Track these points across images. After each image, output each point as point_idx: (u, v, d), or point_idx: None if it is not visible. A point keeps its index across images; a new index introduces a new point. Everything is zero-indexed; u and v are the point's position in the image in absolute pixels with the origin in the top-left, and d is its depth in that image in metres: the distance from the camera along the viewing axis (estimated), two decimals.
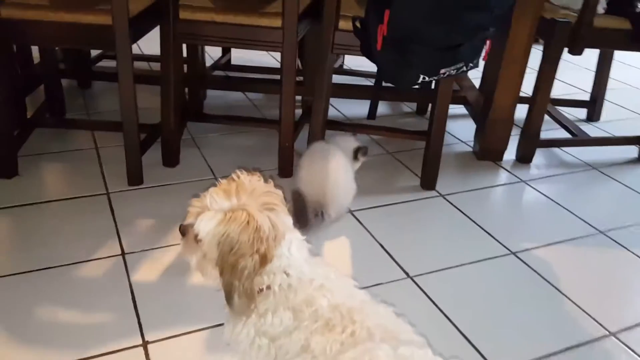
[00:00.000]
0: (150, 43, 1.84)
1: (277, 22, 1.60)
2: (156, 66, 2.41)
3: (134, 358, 1.09)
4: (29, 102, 2.07)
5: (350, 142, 1.67)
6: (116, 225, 1.48)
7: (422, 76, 1.40)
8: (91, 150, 1.85)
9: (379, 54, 1.41)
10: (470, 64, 1.44)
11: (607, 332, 1.23)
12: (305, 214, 1.49)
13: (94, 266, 1.33)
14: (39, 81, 2.04)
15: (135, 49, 1.57)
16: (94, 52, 2.39)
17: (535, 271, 1.41)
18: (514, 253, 1.48)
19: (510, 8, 1.67)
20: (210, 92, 2.38)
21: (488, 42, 1.43)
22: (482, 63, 2.14)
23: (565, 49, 1.78)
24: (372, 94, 1.58)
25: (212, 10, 1.61)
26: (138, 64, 2.57)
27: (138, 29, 1.60)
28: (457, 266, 1.42)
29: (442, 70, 1.41)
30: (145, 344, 1.13)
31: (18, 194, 1.57)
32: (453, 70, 1.42)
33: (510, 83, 1.83)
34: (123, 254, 1.38)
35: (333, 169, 1.54)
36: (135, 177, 1.65)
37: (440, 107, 1.67)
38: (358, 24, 1.51)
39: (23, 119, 1.87)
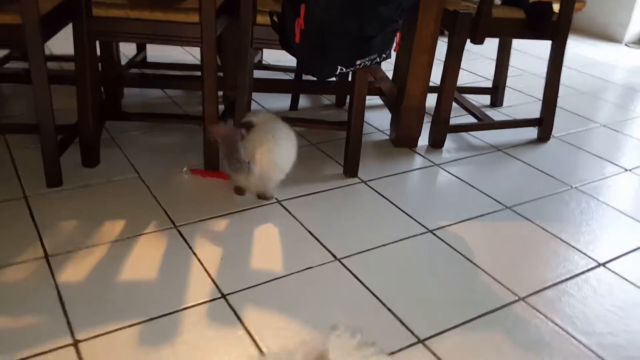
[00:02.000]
0: (59, 42, 1.79)
1: (194, 18, 1.61)
2: (68, 66, 2.34)
3: (66, 357, 1.09)
4: None
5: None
6: (37, 228, 1.44)
7: (339, 67, 1.47)
8: (4, 155, 1.77)
9: (297, 47, 1.46)
10: (383, 55, 1.53)
11: (517, 297, 1.36)
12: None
13: (17, 270, 1.29)
14: None
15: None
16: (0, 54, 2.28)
17: (450, 246, 1.53)
18: (431, 231, 1.59)
19: (416, 1, 1.78)
20: (128, 91, 2.34)
21: (398, 34, 1.52)
22: (394, 55, 2.26)
23: (468, 40, 1.92)
24: (293, 87, 1.63)
25: (127, 6, 1.60)
26: (49, 65, 2.48)
27: (49, 28, 1.56)
28: (380, 246, 1.50)
29: (358, 61, 1.49)
30: (75, 343, 1.12)
31: None
32: (368, 61, 1.50)
33: (420, 73, 1.95)
34: (46, 256, 1.35)
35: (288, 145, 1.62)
36: (53, 179, 1.61)
37: (358, 98, 1.75)
38: (275, 18, 1.55)
39: None
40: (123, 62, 2.43)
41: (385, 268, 1.42)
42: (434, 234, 1.58)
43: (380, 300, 1.31)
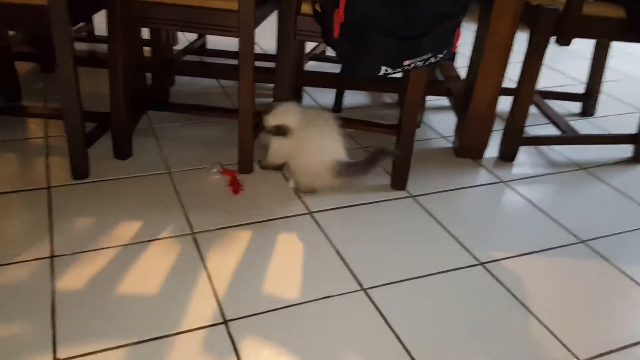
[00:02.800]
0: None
1: (233, 5, 1.46)
2: None
3: None
4: None
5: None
6: (51, 224, 1.37)
7: (383, 68, 1.27)
8: (40, 140, 1.73)
9: (336, 41, 1.28)
10: (440, 55, 1.31)
11: None
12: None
13: (18, 269, 1.22)
14: None
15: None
16: None
17: (503, 285, 1.29)
18: (482, 263, 1.36)
19: None
20: (181, 79, 2.26)
21: (457, 31, 1.28)
22: (468, 51, 2.01)
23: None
24: (343, 83, 1.45)
25: None
26: (96, 47, 2.46)
27: (81, 11, 1.48)
28: (416, 278, 1.29)
29: (407, 62, 1.28)
30: None
31: None
32: (419, 61, 1.29)
33: (491, 74, 1.69)
34: (52, 256, 1.26)
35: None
36: (79, 171, 1.54)
37: (411, 99, 1.53)
38: (318, 8, 1.37)
39: None
40: (182, 46, 2.35)
41: (417, 306, 1.21)
42: (486, 268, 1.34)
43: (404, 347, 1.10)
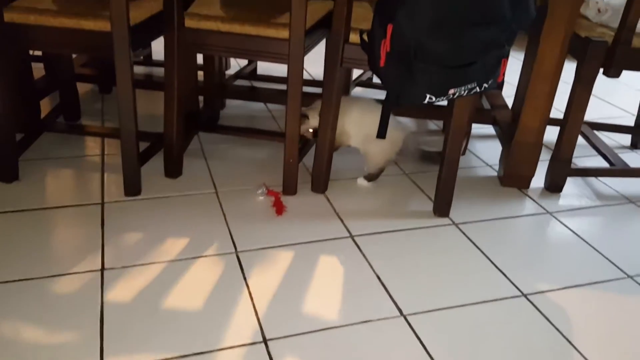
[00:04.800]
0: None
1: (284, 34, 1.52)
2: None
3: None
4: (48, 104, 2.08)
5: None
6: (103, 238, 1.43)
7: (428, 95, 1.29)
8: (97, 157, 1.82)
9: (382, 70, 1.31)
10: (485, 84, 1.32)
11: None
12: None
13: (70, 281, 1.28)
14: (57, 85, 2.04)
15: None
16: None
17: (546, 318, 1.26)
18: (525, 295, 1.33)
19: (537, 22, 1.52)
20: (231, 102, 2.33)
21: (504, 61, 1.29)
22: (516, 80, 2.00)
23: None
24: (385, 110, 1.47)
25: (219, 19, 1.55)
26: (154, 70, 2.57)
27: (142, 37, 1.56)
28: (458, 306, 1.28)
29: (452, 90, 1.29)
30: None
31: (13, 200, 1.55)
32: (464, 90, 1.30)
33: (539, 103, 1.68)
34: (102, 269, 1.32)
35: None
36: (132, 187, 1.61)
37: (456, 126, 1.54)
38: (365, 37, 1.41)
39: (33, 123, 1.87)
40: (233, 71, 2.44)
41: (457, 336, 1.20)
42: (529, 300, 1.32)
43: None
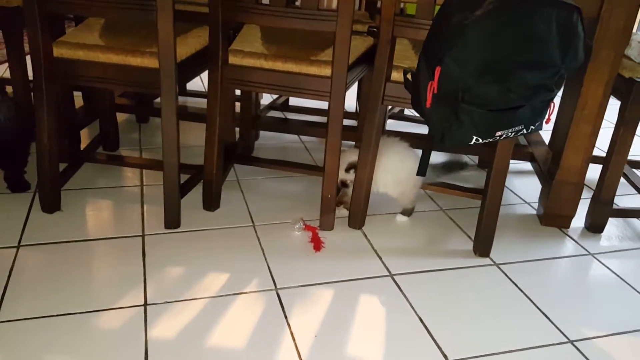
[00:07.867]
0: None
1: (326, 71, 1.53)
2: None
3: None
4: (87, 134, 2.12)
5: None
6: (145, 272, 1.44)
7: (474, 137, 1.28)
8: (136, 188, 1.84)
9: (428, 111, 1.30)
10: (532, 127, 1.31)
11: None
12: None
13: (114, 316, 1.28)
14: (96, 115, 2.08)
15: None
16: None
17: None
18: (571, 341, 1.30)
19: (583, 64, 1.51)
20: (265, 133, 2.35)
21: (551, 103, 1.29)
22: (553, 115, 1.98)
23: None
24: (427, 146, 1.47)
25: (262, 56, 1.57)
26: (196, 101, 2.60)
27: (186, 72, 1.59)
28: (502, 353, 1.25)
29: (499, 133, 1.28)
30: None
31: (55, 231, 1.57)
32: (511, 132, 1.29)
33: (581, 143, 1.66)
34: (145, 304, 1.32)
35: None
36: (172, 221, 1.62)
37: (499, 164, 1.53)
38: (409, 77, 1.41)
39: (74, 153, 1.90)
40: (266, 102, 2.46)
41: None
42: (575, 347, 1.29)
43: None
